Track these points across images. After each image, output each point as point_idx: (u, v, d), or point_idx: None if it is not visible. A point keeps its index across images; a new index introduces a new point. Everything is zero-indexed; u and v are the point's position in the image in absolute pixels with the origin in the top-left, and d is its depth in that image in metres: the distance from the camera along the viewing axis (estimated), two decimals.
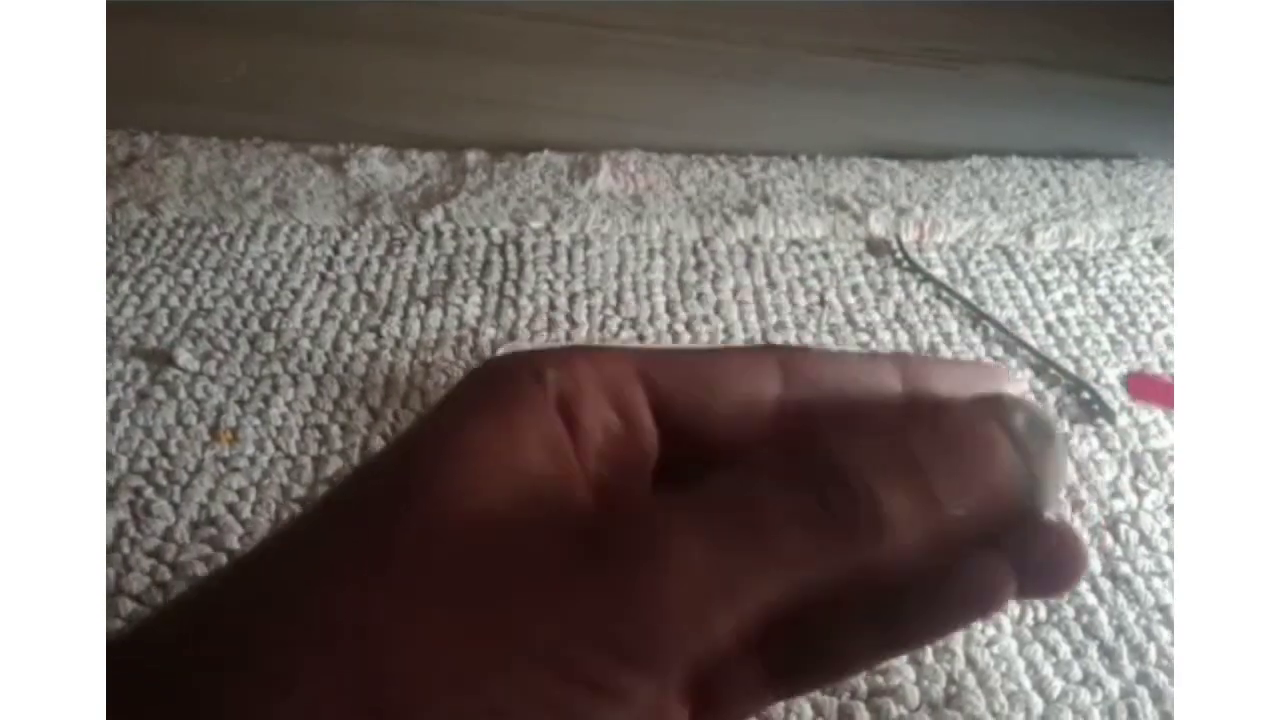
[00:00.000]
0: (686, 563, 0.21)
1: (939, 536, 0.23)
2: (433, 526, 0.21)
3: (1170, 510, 0.52)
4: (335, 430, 0.56)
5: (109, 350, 0.61)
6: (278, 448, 0.55)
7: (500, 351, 0.61)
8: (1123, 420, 0.58)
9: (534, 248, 0.74)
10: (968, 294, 0.70)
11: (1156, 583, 0.48)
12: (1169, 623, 0.46)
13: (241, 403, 0.58)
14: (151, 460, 0.54)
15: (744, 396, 0.26)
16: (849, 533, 0.22)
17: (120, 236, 0.73)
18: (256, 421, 0.57)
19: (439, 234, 0.76)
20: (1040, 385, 0.61)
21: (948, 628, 0.25)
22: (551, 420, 0.24)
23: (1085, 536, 0.25)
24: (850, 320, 0.67)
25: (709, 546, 0.21)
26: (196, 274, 0.70)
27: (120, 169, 0.81)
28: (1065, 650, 0.45)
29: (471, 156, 0.86)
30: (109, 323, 0.64)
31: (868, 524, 0.22)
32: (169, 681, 0.20)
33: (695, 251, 0.74)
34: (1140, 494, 0.53)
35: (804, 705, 0.42)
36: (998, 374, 0.27)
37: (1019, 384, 0.28)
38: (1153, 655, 0.45)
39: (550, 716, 0.20)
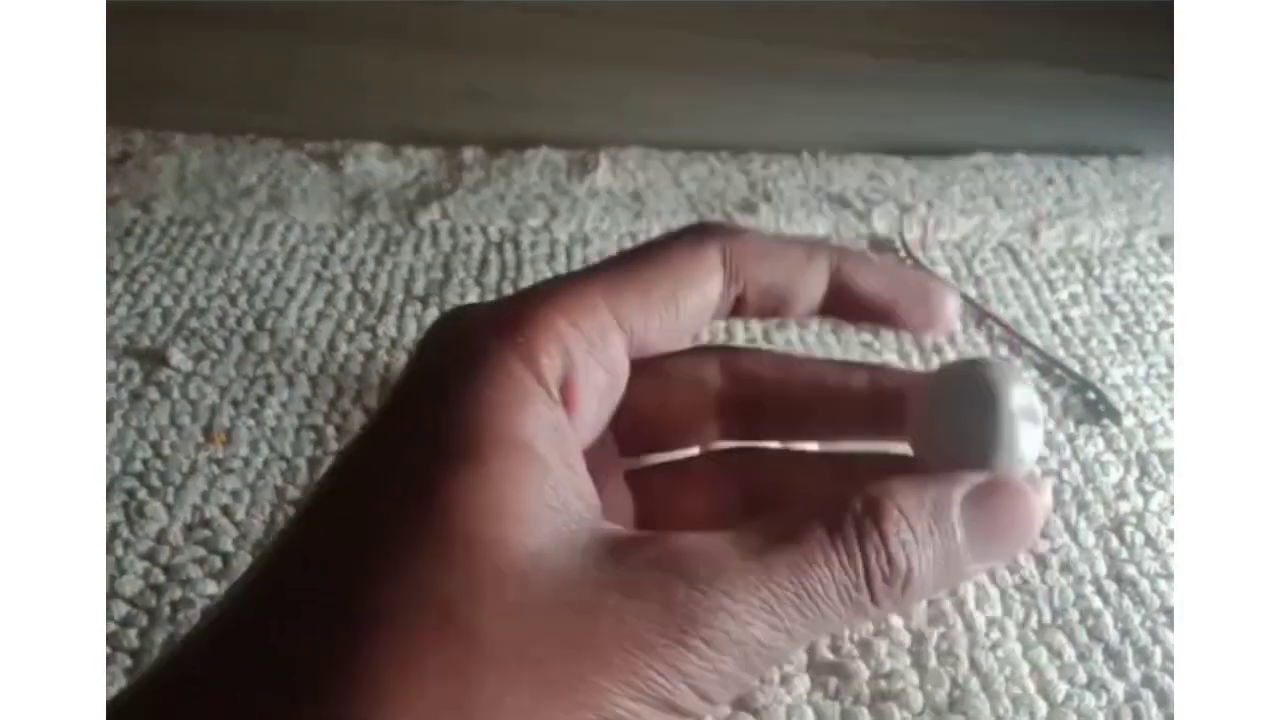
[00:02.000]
0: (746, 636, 0.22)
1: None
2: (481, 592, 0.21)
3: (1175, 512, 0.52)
4: (331, 431, 0.56)
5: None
6: (272, 449, 0.55)
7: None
8: (1129, 421, 0.58)
9: (532, 246, 0.74)
10: (972, 292, 0.70)
11: (1162, 585, 0.48)
12: (1174, 626, 0.47)
13: (236, 403, 0.58)
14: (144, 461, 0.54)
15: (698, 301, 0.27)
16: (888, 603, 0.24)
17: (113, 234, 0.73)
18: (251, 422, 0.57)
19: (435, 232, 0.76)
20: (1046, 385, 0.61)
21: None
22: (556, 417, 0.24)
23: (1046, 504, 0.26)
24: None
25: (769, 622, 0.22)
26: (190, 272, 0.70)
27: (113, 166, 0.81)
28: (1070, 653, 0.45)
29: (468, 153, 0.86)
30: None
31: (905, 596, 0.24)
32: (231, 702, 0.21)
33: None
34: (1146, 495, 0.53)
35: (806, 709, 0.42)
36: (932, 290, 0.29)
37: (954, 294, 0.29)
38: (1158, 658, 0.45)
39: None
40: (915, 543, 0.24)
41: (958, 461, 0.26)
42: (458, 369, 0.24)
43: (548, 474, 0.23)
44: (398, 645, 0.21)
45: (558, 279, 0.27)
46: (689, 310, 0.27)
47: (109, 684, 0.42)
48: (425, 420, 0.24)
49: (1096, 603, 0.48)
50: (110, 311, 0.65)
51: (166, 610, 0.46)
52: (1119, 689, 0.44)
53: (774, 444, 0.31)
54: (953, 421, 0.27)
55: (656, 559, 0.23)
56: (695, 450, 0.32)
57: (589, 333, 0.25)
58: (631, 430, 0.29)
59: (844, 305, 0.29)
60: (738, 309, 0.28)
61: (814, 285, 0.28)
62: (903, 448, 0.30)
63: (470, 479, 0.22)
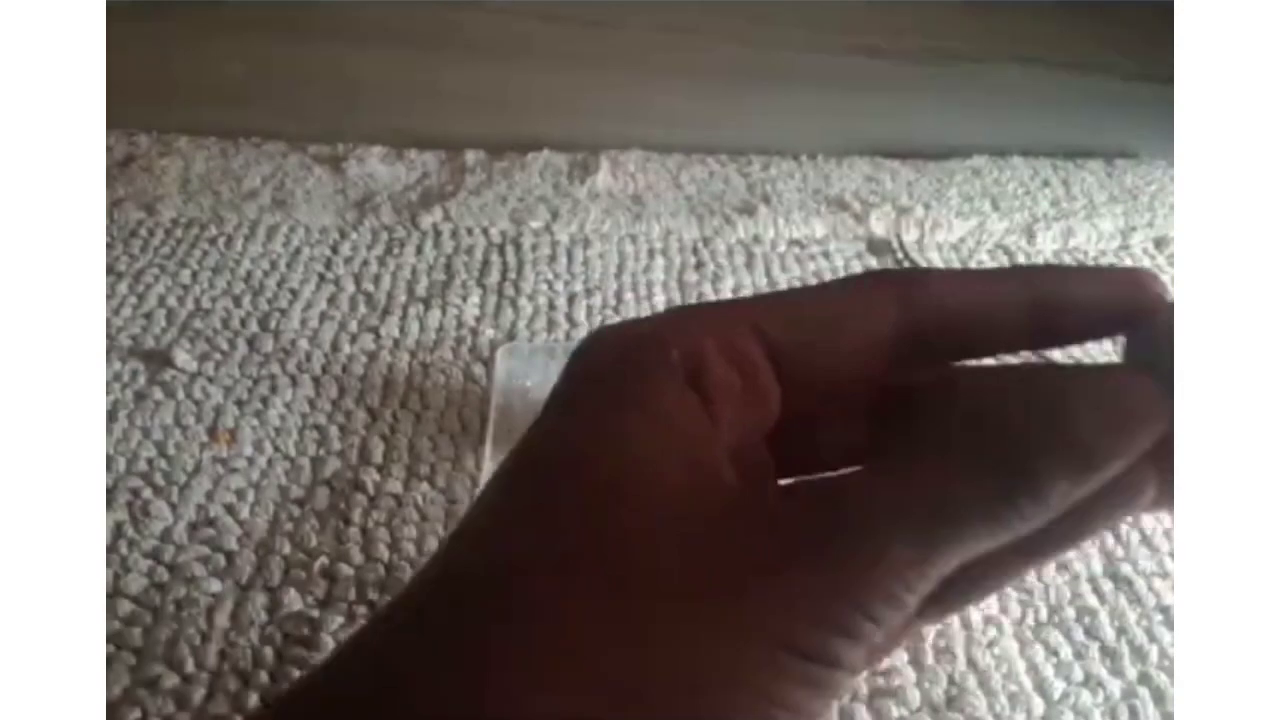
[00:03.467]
0: (892, 552, 0.22)
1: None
2: (636, 534, 0.22)
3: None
4: (334, 431, 0.56)
5: (107, 351, 0.61)
6: (276, 448, 0.55)
7: (502, 349, 0.61)
8: None
9: (533, 247, 0.74)
10: None
11: (1158, 583, 0.48)
12: (1171, 624, 0.46)
13: (240, 403, 0.58)
14: (149, 461, 0.54)
15: (860, 332, 0.26)
16: (1024, 520, 0.23)
17: (118, 236, 0.73)
18: (255, 422, 0.57)
19: (438, 234, 0.76)
20: None
21: (1090, 536, 0.27)
22: (689, 398, 0.25)
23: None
24: None
25: (912, 538, 0.22)
26: (195, 274, 0.70)
27: (118, 169, 0.81)
28: (1067, 651, 0.45)
29: (470, 156, 0.86)
30: (107, 323, 0.64)
31: (1040, 510, 0.23)
32: (421, 652, 0.22)
33: (695, 251, 0.75)
34: None
35: None
36: (1131, 277, 0.27)
37: (1150, 275, 0.27)
38: (1154, 656, 0.45)
39: (792, 688, 0.22)
40: (1044, 453, 0.23)
41: None
42: (599, 362, 0.26)
43: (685, 435, 0.24)
44: (564, 604, 0.22)
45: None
46: (850, 335, 0.26)
47: (113, 682, 0.42)
48: (567, 401, 0.25)
49: (1093, 601, 0.48)
50: (115, 312, 0.65)
51: (171, 608, 0.46)
52: (1115, 686, 0.44)
53: None
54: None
55: (799, 489, 0.24)
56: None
57: (721, 332, 0.25)
58: (784, 446, 0.29)
59: (1055, 326, 0.27)
60: (926, 347, 0.26)
61: (1011, 309, 0.26)
62: None
63: (609, 443, 0.24)
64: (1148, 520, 0.51)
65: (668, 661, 0.21)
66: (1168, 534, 0.51)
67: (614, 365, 0.25)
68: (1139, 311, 0.26)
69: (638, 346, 0.25)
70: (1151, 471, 0.25)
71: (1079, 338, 0.28)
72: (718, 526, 0.23)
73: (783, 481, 0.28)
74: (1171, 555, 0.50)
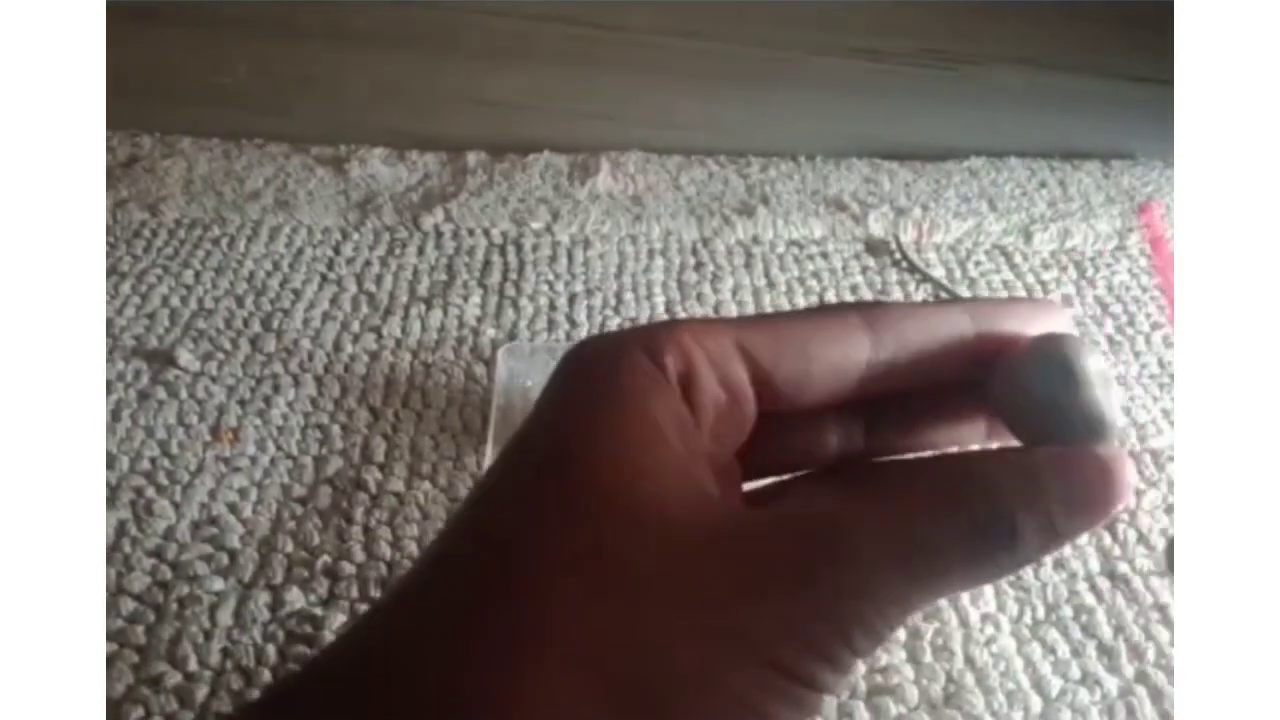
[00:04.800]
0: (877, 580, 0.23)
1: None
2: (630, 534, 0.23)
3: (1168, 510, 0.52)
4: (336, 430, 0.56)
5: (110, 351, 0.61)
6: (279, 448, 0.55)
7: (503, 349, 0.61)
8: (1119, 421, 0.58)
9: (534, 248, 0.74)
10: (966, 294, 0.70)
11: (1154, 582, 0.48)
12: (1167, 622, 0.46)
13: (242, 403, 0.58)
14: (153, 460, 0.54)
15: (836, 360, 0.27)
16: (998, 574, 0.25)
17: (121, 237, 0.73)
18: (258, 421, 0.57)
19: (439, 234, 0.76)
20: None
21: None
22: (680, 407, 0.26)
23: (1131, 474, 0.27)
24: None
25: (895, 566, 0.23)
26: (198, 274, 0.70)
27: (121, 169, 0.81)
28: (1064, 649, 0.45)
29: (472, 157, 0.86)
30: (110, 323, 0.64)
31: (1013, 567, 0.25)
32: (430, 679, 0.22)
33: (695, 252, 0.74)
34: (1138, 494, 0.53)
35: None
36: (1052, 310, 0.29)
37: (1066, 314, 0.29)
38: (1151, 655, 0.45)
39: (772, 702, 0.22)
40: (1022, 509, 0.25)
41: (1046, 434, 0.27)
42: (595, 363, 0.26)
43: (677, 444, 0.25)
44: (557, 588, 0.22)
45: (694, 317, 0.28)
46: (826, 360, 0.27)
47: (117, 680, 0.42)
48: (563, 399, 0.26)
49: (1090, 599, 0.47)
50: (118, 313, 0.65)
51: (174, 607, 0.46)
52: (1112, 684, 0.44)
53: (889, 458, 0.31)
54: (1038, 396, 0.27)
55: (791, 513, 0.25)
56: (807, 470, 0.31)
57: (710, 350, 0.26)
58: (751, 457, 0.30)
59: (992, 355, 0.29)
60: (893, 378, 0.28)
61: (959, 339, 0.28)
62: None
63: (604, 441, 0.24)
64: (1145, 519, 0.51)
65: (656, 660, 0.22)
66: (1164, 533, 0.51)
67: (611, 370, 0.26)
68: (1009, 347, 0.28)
69: (634, 354, 0.26)
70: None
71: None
72: (708, 541, 0.23)
73: (759, 485, 0.29)
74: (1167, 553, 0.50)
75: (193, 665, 0.43)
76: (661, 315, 0.67)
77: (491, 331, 0.65)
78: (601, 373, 0.26)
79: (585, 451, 0.24)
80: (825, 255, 0.74)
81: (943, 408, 0.30)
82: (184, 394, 0.58)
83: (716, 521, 0.24)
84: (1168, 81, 0.85)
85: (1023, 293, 0.70)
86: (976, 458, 0.26)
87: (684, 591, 0.22)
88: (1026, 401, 0.27)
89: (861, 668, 0.44)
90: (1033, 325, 0.28)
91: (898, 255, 0.74)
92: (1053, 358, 0.27)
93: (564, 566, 0.23)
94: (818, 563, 0.23)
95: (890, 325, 0.28)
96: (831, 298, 0.69)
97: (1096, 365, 0.27)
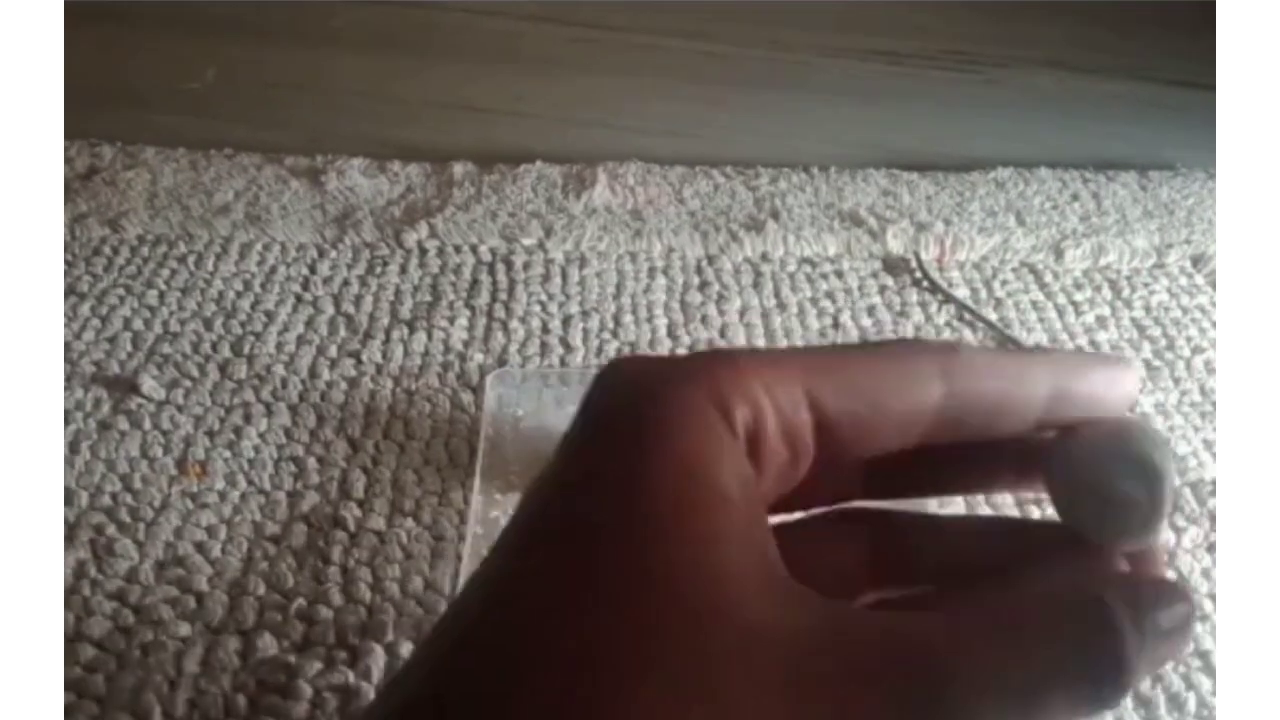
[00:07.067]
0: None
1: None
2: (718, 648, 0.22)
3: (1210, 549, 0.52)
4: (312, 463, 0.56)
5: (68, 377, 0.61)
6: (250, 482, 0.55)
7: (492, 376, 0.61)
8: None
9: (525, 266, 0.75)
10: (992, 316, 0.70)
11: (1195, 627, 0.48)
12: (1209, 670, 0.47)
13: (211, 434, 0.58)
14: (114, 495, 0.54)
15: (906, 413, 0.27)
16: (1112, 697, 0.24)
17: (80, 254, 0.73)
18: (227, 454, 0.57)
19: (423, 252, 0.76)
20: None
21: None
22: (746, 469, 0.25)
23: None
24: None
25: (995, 708, 0.23)
26: (162, 295, 0.70)
27: (80, 182, 0.82)
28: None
29: (458, 168, 0.86)
30: (68, 348, 0.64)
31: (1105, 710, 0.24)
32: None
33: (699, 270, 0.75)
34: (1179, 531, 0.53)
35: None
36: (1130, 373, 0.29)
37: (1137, 371, 0.29)
38: (1192, 705, 0.45)
39: None
40: (1139, 646, 0.24)
41: (1115, 531, 0.27)
42: (652, 414, 0.25)
43: (750, 531, 0.24)
44: (657, 706, 0.21)
45: (753, 348, 0.27)
46: (895, 413, 0.27)
47: None
48: (622, 470, 0.24)
49: None
50: (77, 336, 0.65)
51: (136, 654, 0.46)
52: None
53: (902, 505, 0.31)
54: (1110, 490, 0.27)
55: (881, 642, 0.23)
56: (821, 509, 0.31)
57: (780, 402, 0.25)
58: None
59: (1063, 415, 0.28)
60: (955, 431, 0.27)
61: (1035, 396, 0.28)
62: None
63: (682, 540, 0.23)
64: (1185, 559, 0.52)
65: None
66: (1206, 573, 0.51)
67: (679, 432, 0.24)
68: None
69: (703, 411, 0.25)
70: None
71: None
72: (791, 635, 0.23)
73: (782, 520, 0.28)
74: (1210, 597, 0.50)
75: (157, 717, 0.43)
76: (663, 339, 0.68)
77: (479, 356, 0.65)
78: (661, 431, 0.24)
79: (661, 562, 0.23)
80: (840, 274, 0.75)
81: (979, 457, 0.30)
82: (148, 424, 0.59)
83: (800, 646, 0.23)
84: (1210, 86, 0.85)
85: (1054, 314, 0.70)
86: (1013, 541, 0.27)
87: (765, 684, 0.22)
88: (1088, 495, 0.27)
89: None
90: (1113, 390, 0.28)
91: (918, 274, 0.74)
92: (1128, 458, 0.27)
93: (642, 664, 0.22)
94: (919, 688, 0.23)
95: (968, 378, 0.27)
96: (846, 320, 0.69)
97: (1164, 461, 0.27)
